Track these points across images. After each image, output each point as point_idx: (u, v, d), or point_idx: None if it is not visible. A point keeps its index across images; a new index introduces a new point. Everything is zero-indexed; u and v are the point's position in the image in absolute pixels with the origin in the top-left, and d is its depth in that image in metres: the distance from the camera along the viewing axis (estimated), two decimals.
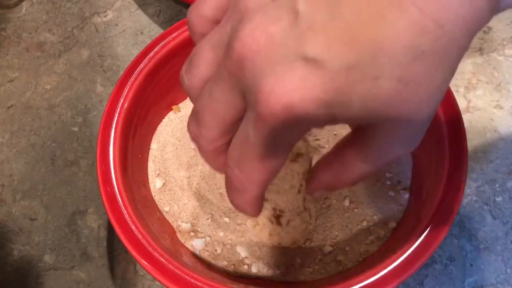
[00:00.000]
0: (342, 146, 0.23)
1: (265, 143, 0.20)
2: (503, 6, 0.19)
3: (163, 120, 0.38)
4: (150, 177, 0.35)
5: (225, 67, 0.20)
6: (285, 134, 0.19)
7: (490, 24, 0.43)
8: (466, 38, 0.18)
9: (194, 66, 0.22)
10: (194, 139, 0.23)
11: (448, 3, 0.17)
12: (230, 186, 0.23)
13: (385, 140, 0.21)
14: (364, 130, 0.21)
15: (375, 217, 0.33)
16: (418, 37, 0.17)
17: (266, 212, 0.31)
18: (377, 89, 0.18)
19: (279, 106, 0.18)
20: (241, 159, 0.21)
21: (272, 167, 0.21)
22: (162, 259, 0.28)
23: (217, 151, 0.23)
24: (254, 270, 0.32)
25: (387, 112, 0.19)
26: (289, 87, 0.18)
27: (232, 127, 0.21)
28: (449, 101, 0.32)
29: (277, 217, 0.31)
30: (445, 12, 0.17)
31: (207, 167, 0.36)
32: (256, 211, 0.24)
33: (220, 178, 0.35)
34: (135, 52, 0.45)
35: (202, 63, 0.22)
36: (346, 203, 0.34)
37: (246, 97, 0.19)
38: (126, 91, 0.33)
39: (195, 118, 0.22)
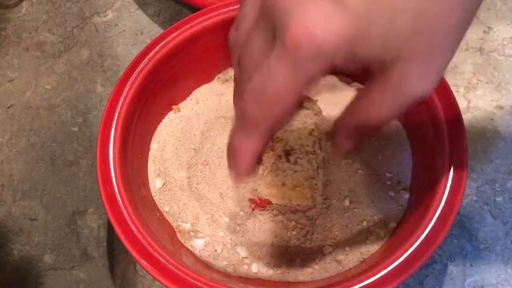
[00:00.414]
0: (364, 91, 0.24)
1: (286, 74, 0.21)
2: None
3: (163, 120, 0.38)
4: (150, 177, 0.35)
5: (261, 10, 0.22)
6: (307, 65, 0.20)
7: (490, 24, 0.43)
8: None
9: (239, 22, 0.24)
10: (235, 83, 0.25)
11: None
12: (240, 123, 0.24)
13: (402, 77, 0.21)
14: (385, 70, 0.21)
15: (375, 217, 0.33)
16: None
17: (276, 151, 0.30)
18: (393, 24, 0.19)
19: (304, 36, 0.19)
20: (259, 88, 0.22)
21: (288, 102, 0.22)
22: (162, 259, 0.28)
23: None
24: (254, 270, 0.32)
25: (406, 49, 0.20)
26: (314, 21, 0.19)
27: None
28: (449, 101, 0.32)
29: (286, 153, 0.30)
30: None
31: (207, 167, 0.36)
32: (251, 164, 0.25)
33: (220, 178, 0.35)
34: (135, 52, 0.45)
35: (246, 18, 0.24)
36: (346, 203, 0.34)
37: (276, 34, 0.21)
38: (126, 91, 0.33)
39: (237, 64, 0.24)
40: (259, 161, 0.27)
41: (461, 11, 0.20)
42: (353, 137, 0.26)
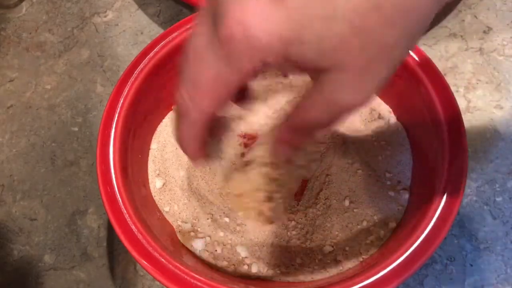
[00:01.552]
0: (304, 96, 0.24)
1: (217, 62, 0.21)
2: None
3: (163, 120, 0.38)
4: (150, 177, 0.35)
5: (206, 2, 0.21)
6: (239, 59, 0.20)
7: (490, 24, 0.43)
8: (430, 7, 0.19)
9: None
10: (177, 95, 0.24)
11: None
12: (180, 116, 0.24)
13: (334, 86, 0.21)
14: (318, 77, 0.21)
15: (375, 217, 0.33)
16: None
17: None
18: (329, 30, 0.19)
19: (237, 30, 0.19)
20: (191, 79, 0.22)
21: (219, 94, 0.22)
22: (162, 259, 0.28)
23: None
24: (254, 270, 0.32)
25: (340, 56, 0.20)
26: (250, 15, 0.19)
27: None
28: (449, 101, 0.32)
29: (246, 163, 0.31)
30: None
31: (207, 167, 0.36)
32: (197, 149, 0.25)
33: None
34: (135, 52, 0.45)
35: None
36: (346, 203, 0.34)
37: (216, 25, 0.21)
38: (126, 91, 0.33)
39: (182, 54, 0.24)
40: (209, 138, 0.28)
41: (402, 28, 0.19)
42: (289, 142, 0.26)
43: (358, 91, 0.21)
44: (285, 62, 0.21)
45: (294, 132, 0.25)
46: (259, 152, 0.31)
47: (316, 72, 0.21)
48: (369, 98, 0.22)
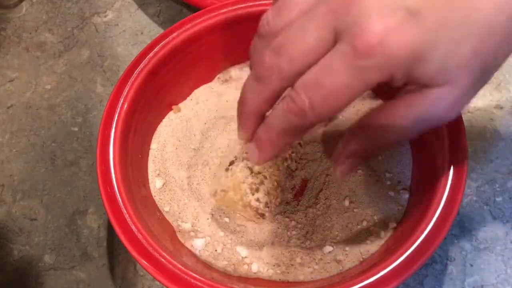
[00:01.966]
0: (386, 107, 0.24)
1: (347, 73, 0.21)
2: None
3: (163, 120, 0.38)
4: (150, 177, 0.35)
5: (327, 6, 0.21)
6: (371, 73, 0.21)
7: None
8: None
9: (286, 9, 0.23)
10: (265, 69, 0.23)
11: None
12: (284, 110, 0.23)
13: (440, 101, 0.22)
14: (426, 89, 0.22)
15: (375, 217, 0.33)
16: (498, 17, 0.20)
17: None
18: (456, 51, 0.21)
19: (376, 41, 0.20)
20: (317, 82, 0.22)
21: (339, 102, 0.22)
22: (162, 259, 0.28)
23: (281, 90, 0.24)
24: (254, 270, 0.32)
25: (457, 75, 0.21)
26: (389, 29, 0.20)
27: (311, 65, 0.22)
28: None
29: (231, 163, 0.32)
30: None
31: (207, 167, 0.36)
32: (276, 152, 0.25)
33: (220, 178, 0.35)
34: (135, 52, 0.45)
35: (296, 7, 0.23)
36: (346, 203, 0.34)
37: (342, 33, 0.21)
38: (126, 91, 0.33)
39: (274, 50, 0.23)
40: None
41: (503, 52, 0.21)
42: (361, 154, 0.26)
43: (456, 108, 0.23)
44: (406, 77, 0.21)
45: (372, 143, 0.25)
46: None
47: (423, 85, 0.22)
48: (460, 112, 0.24)
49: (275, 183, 0.31)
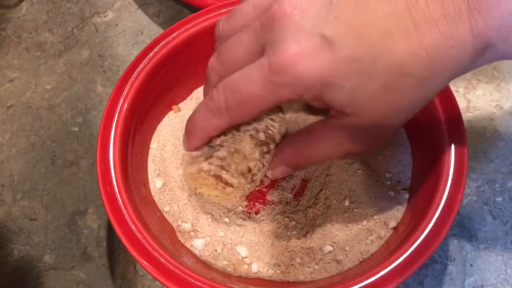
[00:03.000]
0: (316, 125, 0.28)
1: (261, 84, 0.23)
2: (482, 62, 0.22)
3: (163, 119, 0.38)
4: (150, 177, 0.35)
5: (260, 21, 0.24)
6: (281, 90, 0.23)
7: None
8: (446, 76, 0.22)
9: (234, 17, 0.27)
10: (209, 69, 0.28)
11: (442, 44, 0.20)
12: (206, 105, 0.27)
13: (346, 131, 0.25)
14: (343, 116, 0.24)
15: (375, 217, 0.33)
16: (411, 60, 0.21)
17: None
18: (366, 85, 0.22)
19: (288, 62, 0.22)
20: (234, 86, 0.25)
21: (251, 109, 0.25)
22: (162, 259, 0.28)
23: (216, 84, 0.27)
24: (254, 270, 0.32)
25: (366, 108, 0.23)
26: (302, 52, 0.21)
27: (239, 68, 0.25)
28: (449, 101, 0.32)
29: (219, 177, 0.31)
30: (437, 50, 0.21)
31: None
32: (202, 141, 0.29)
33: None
34: (135, 52, 0.45)
35: (241, 17, 0.26)
36: (346, 203, 0.34)
37: (266, 48, 0.23)
38: (126, 91, 0.33)
39: (217, 54, 0.27)
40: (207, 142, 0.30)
41: (418, 93, 0.22)
42: (289, 166, 0.30)
43: (368, 144, 0.26)
44: (317, 99, 0.23)
45: (298, 156, 0.29)
46: None
47: (338, 113, 0.24)
48: (369, 150, 0.27)
49: (232, 150, 0.30)
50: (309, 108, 0.36)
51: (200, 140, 0.29)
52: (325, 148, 0.27)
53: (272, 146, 0.31)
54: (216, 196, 0.31)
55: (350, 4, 0.21)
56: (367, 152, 0.26)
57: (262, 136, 0.30)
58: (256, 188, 0.34)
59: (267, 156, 0.31)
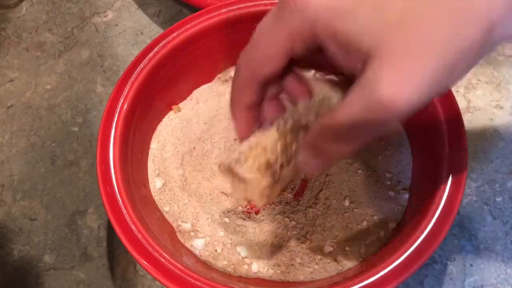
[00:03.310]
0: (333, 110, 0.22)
1: (270, 25, 0.23)
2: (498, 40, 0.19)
3: (163, 119, 0.38)
4: (150, 177, 0.35)
5: None
6: (291, 18, 0.21)
7: None
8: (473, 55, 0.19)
9: None
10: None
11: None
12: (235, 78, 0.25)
13: (375, 74, 0.19)
14: (363, 67, 0.20)
15: (375, 217, 0.33)
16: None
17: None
18: (381, 10, 0.19)
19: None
20: (249, 47, 0.24)
21: (269, 54, 0.23)
22: (162, 259, 0.28)
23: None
24: (254, 270, 0.32)
25: (382, 37, 0.19)
26: None
27: None
28: (449, 101, 0.32)
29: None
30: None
31: (207, 167, 0.36)
32: (245, 118, 0.26)
33: (220, 178, 0.35)
34: (135, 52, 0.45)
35: None
36: (346, 203, 0.34)
37: None
38: (126, 91, 0.33)
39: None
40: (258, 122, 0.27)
41: (451, 30, 0.18)
42: (320, 153, 0.23)
43: (400, 82, 0.19)
44: (331, 37, 0.20)
45: (327, 139, 0.22)
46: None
47: (360, 55, 0.20)
48: (412, 97, 0.19)
49: (254, 143, 0.27)
50: None
51: (240, 117, 0.26)
52: (358, 109, 0.20)
53: (301, 138, 0.27)
54: (236, 191, 0.29)
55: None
56: (409, 106, 0.19)
57: (289, 126, 0.26)
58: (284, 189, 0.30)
59: (292, 150, 0.26)
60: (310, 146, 0.23)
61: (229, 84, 0.39)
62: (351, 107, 0.20)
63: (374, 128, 0.20)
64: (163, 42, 0.35)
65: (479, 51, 0.19)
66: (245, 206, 0.34)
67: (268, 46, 0.23)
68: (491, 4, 0.18)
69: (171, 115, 0.38)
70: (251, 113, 0.26)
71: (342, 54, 0.21)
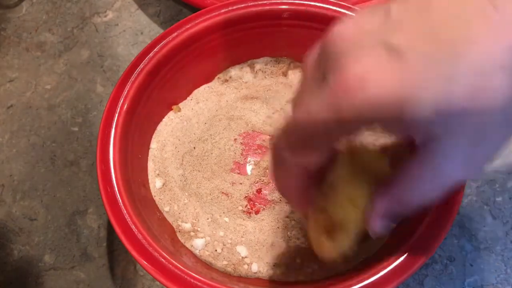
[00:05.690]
0: (403, 168, 0.22)
1: (327, 116, 0.19)
2: None
3: (163, 119, 0.38)
4: (150, 177, 0.35)
5: (319, 49, 0.21)
6: (353, 111, 0.19)
7: None
8: None
9: (311, 52, 0.23)
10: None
11: None
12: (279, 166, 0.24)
13: (443, 158, 0.20)
14: (428, 145, 0.20)
15: None
16: (501, 48, 0.17)
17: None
18: (449, 90, 0.18)
19: (355, 82, 0.18)
20: (295, 125, 0.22)
21: (319, 143, 0.21)
22: (162, 259, 0.28)
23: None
24: (254, 270, 0.32)
25: (451, 120, 0.18)
26: (369, 70, 0.18)
27: None
28: None
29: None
30: None
31: (207, 167, 0.36)
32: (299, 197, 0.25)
33: (220, 178, 0.35)
34: (135, 52, 0.45)
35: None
36: None
37: (325, 76, 0.20)
38: (126, 91, 0.33)
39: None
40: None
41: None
42: (389, 218, 0.24)
43: (471, 165, 0.20)
44: (396, 122, 0.19)
45: (397, 208, 0.23)
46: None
47: (425, 137, 0.20)
48: (480, 173, 0.21)
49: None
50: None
51: (298, 202, 0.26)
52: (425, 186, 0.22)
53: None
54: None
55: (411, 8, 0.19)
56: (476, 177, 0.21)
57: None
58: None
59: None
60: (380, 214, 0.24)
61: (229, 84, 0.39)
62: (422, 186, 0.22)
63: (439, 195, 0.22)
64: (163, 42, 0.35)
65: None
66: (245, 206, 0.34)
67: (320, 144, 0.22)
68: None
69: (171, 115, 0.38)
70: (305, 192, 0.26)
71: (402, 133, 0.22)
